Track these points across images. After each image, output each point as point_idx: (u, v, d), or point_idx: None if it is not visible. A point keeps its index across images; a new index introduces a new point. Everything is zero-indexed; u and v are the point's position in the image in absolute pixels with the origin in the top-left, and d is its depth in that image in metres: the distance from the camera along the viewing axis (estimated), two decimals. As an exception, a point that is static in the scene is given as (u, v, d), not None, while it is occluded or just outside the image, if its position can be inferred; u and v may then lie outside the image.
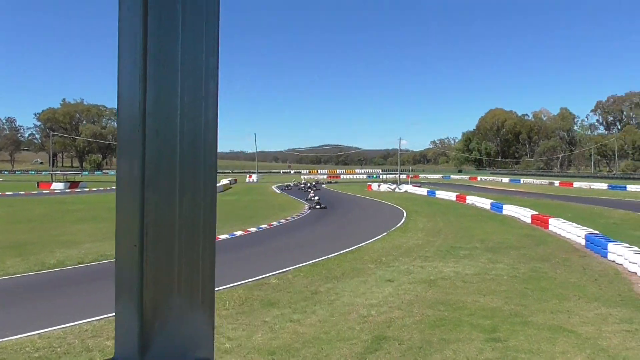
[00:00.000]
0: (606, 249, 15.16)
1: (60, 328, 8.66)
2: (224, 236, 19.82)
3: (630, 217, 27.09)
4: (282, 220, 25.55)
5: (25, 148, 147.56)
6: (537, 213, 24.54)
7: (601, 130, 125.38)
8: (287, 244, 18.45)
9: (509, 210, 28.53)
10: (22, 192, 48.30)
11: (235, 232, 20.93)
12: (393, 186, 54.49)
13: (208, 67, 0.84)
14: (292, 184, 57.62)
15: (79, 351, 7.68)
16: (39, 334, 8.38)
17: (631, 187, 54.92)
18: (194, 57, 0.82)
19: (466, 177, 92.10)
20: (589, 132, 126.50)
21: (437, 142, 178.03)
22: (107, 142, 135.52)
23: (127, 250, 0.81)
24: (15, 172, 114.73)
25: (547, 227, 21.80)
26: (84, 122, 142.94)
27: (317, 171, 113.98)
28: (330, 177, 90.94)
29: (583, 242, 17.49)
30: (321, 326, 8.75)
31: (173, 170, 0.81)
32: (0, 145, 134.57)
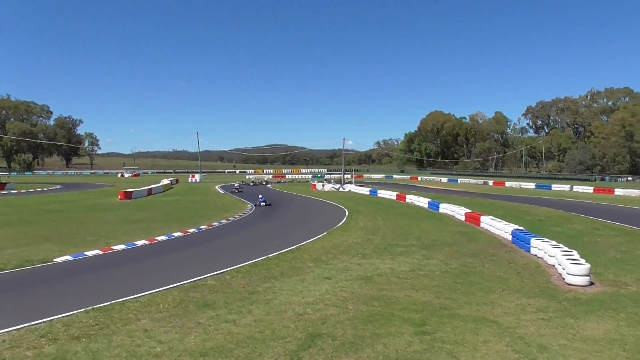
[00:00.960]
0: (529, 244, 16.21)
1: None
2: (162, 238, 19.26)
3: (554, 214, 29.14)
4: (223, 221, 25.16)
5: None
6: (470, 211, 25.77)
7: (531, 133, 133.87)
8: (227, 245, 18.20)
9: (445, 208, 29.77)
10: (-62, 194, 44.35)
11: (174, 234, 20.38)
12: (337, 186, 55.15)
13: None
14: (237, 184, 55.24)
15: (-6, 362, 7.20)
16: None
17: (556, 187, 59.18)
18: None
19: (408, 177, 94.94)
20: (520, 135, 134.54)
21: (382, 142, 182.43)
22: (39, 141, 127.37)
23: None
24: None
25: (479, 225, 22.95)
26: (12, 119, 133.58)
27: (263, 171, 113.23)
28: (275, 176, 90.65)
29: (510, 237, 18.59)
30: (256, 326, 8.73)
31: None
32: None
